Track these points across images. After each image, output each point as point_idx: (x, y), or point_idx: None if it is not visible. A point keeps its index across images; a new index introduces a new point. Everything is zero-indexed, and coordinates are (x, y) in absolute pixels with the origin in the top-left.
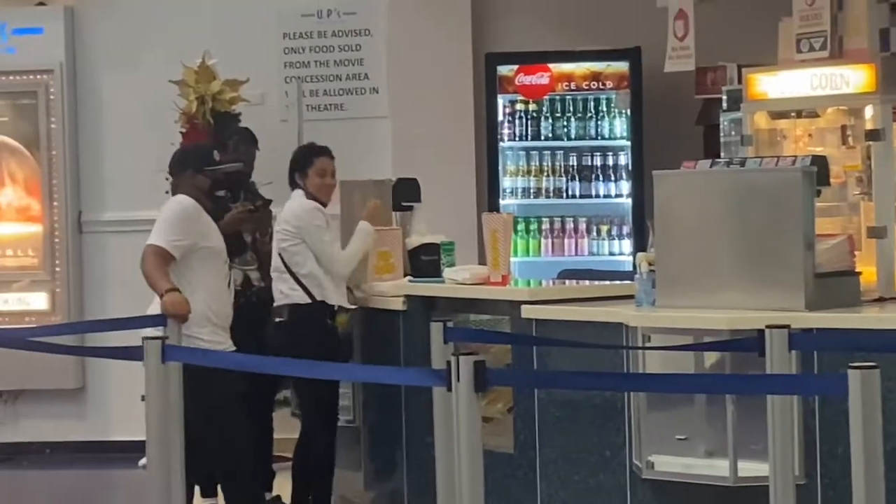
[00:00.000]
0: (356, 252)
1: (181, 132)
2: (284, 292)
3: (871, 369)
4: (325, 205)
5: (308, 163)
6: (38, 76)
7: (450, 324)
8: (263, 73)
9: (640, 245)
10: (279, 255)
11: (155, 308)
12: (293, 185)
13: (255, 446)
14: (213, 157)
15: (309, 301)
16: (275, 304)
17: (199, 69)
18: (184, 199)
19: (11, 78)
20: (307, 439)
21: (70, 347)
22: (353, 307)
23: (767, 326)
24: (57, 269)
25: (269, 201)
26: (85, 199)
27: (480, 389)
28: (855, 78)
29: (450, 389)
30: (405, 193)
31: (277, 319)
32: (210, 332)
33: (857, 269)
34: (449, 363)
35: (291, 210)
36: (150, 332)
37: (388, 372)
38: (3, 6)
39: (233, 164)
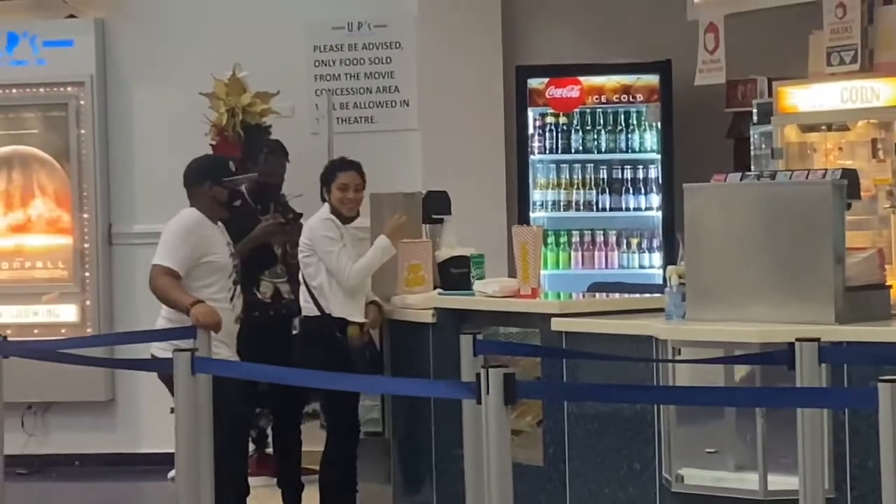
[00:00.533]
0: (368, 266)
1: (211, 144)
2: (301, 304)
3: None
4: (348, 219)
5: (332, 177)
6: (69, 88)
7: (479, 336)
8: (294, 86)
9: (669, 258)
10: (299, 267)
11: (162, 323)
12: (322, 199)
13: (283, 459)
14: (230, 168)
15: (318, 314)
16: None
17: (230, 81)
18: (188, 214)
19: (42, 90)
20: (329, 452)
21: (99, 360)
22: (361, 321)
23: (797, 340)
24: (87, 281)
25: (300, 214)
26: (115, 212)
27: (510, 402)
28: (885, 91)
29: (479, 402)
30: (435, 206)
31: (294, 332)
32: (213, 346)
33: (888, 283)
34: (478, 376)
35: (309, 222)
36: (156, 346)
37: (417, 385)
38: (33, 18)
39: (248, 175)
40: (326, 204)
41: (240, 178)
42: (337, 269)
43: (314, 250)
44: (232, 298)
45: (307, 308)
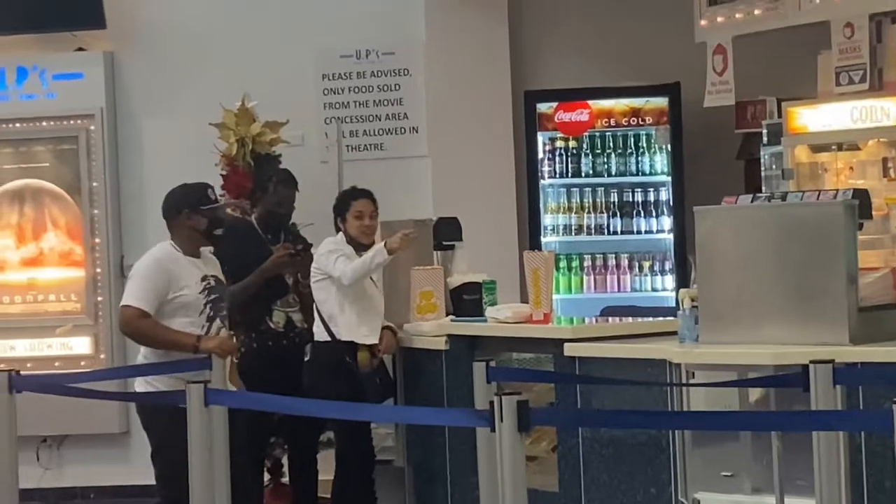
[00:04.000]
0: (362, 264)
1: (222, 175)
2: (314, 330)
3: None
4: (366, 247)
5: (346, 206)
6: (79, 121)
7: (492, 363)
8: (303, 115)
9: (682, 280)
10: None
11: (140, 358)
12: (337, 229)
13: (299, 488)
14: (209, 196)
15: (328, 339)
16: None
17: (239, 111)
18: (156, 250)
19: (52, 123)
20: (342, 478)
21: (113, 393)
22: (371, 344)
23: (811, 362)
24: (99, 313)
25: (310, 245)
26: (127, 244)
27: (524, 429)
28: (895, 110)
29: (493, 430)
30: (446, 232)
31: (305, 358)
32: (170, 384)
33: None
34: (492, 403)
35: (318, 248)
36: (139, 382)
37: (431, 413)
38: (43, 52)
39: (228, 202)
40: (340, 233)
41: (219, 205)
42: (334, 269)
43: (322, 272)
44: (218, 333)
45: (318, 333)
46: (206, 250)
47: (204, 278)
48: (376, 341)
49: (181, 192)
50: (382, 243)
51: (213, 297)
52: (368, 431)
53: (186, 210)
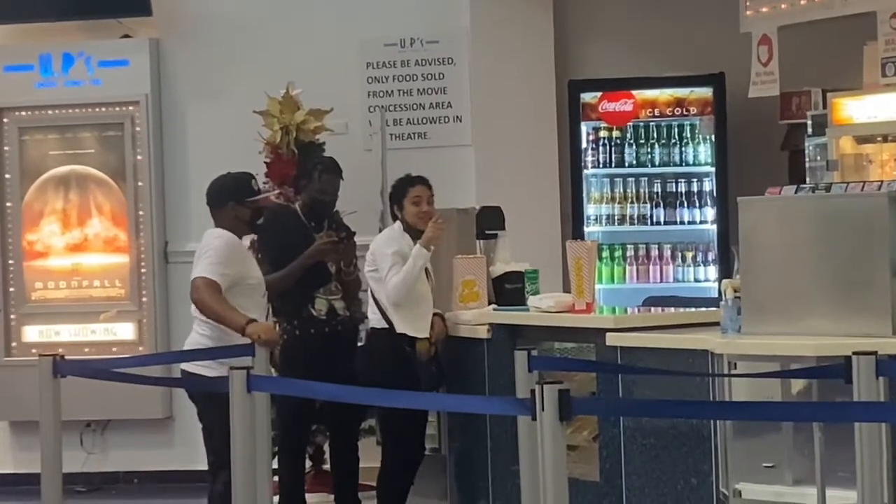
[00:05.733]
0: (405, 278)
1: (265, 162)
2: (369, 315)
3: None
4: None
5: (403, 193)
6: (124, 108)
7: (534, 352)
8: (347, 103)
9: (725, 271)
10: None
11: (197, 339)
12: (394, 217)
13: (340, 475)
14: (253, 187)
15: (385, 326)
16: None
17: (283, 99)
18: (224, 233)
19: (98, 110)
20: (387, 468)
21: (157, 378)
22: (423, 336)
23: (854, 353)
24: (143, 299)
25: (353, 232)
26: (171, 230)
27: (565, 418)
28: None
29: (535, 419)
30: (489, 221)
31: (360, 343)
32: (223, 368)
33: None
34: (533, 392)
35: (376, 238)
36: (187, 366)
37: (472, 401)
38: (89, 39)
39: (271, 192)
40: (398, 222)
41: (263, 195)
42: (387, 285)
43: (376, 265)
44: (266, 317)
45: (375, 320)
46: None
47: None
48: (427, 334)
49: (226, 182)
50: (418, 247)
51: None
52: (424, 422)
53: (233, 202)
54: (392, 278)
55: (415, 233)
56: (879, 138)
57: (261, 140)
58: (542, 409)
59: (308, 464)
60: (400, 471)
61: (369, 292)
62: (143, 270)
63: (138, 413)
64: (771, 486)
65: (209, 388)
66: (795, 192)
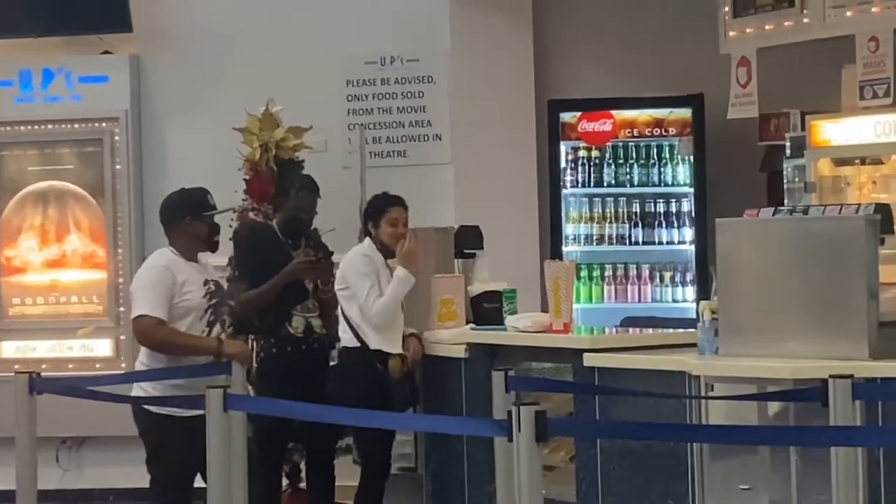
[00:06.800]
0: (392, 300)
1: (245, 179)
2: (340, 335)
3: None
4: (394, 254)
5: (381, 212)
6: (104, 124)
7: (511, 372)
8: (327, 120)
9: (703, 292)
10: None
11: (139, 365)
12: (366, 233)
13: (316, 494)
14: (209, 202)
15: (357, 345)
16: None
17: (263, 116)
18: (158, 258)
19: (77, 126)
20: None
21: (134, 398)
22: (399, 353)
23: (831, 376)
24: (121, 316)
25: (331, 252)
26: (149, 246)
27: (542, 440)
28: None
29: (511, 440)
30: (467, 240)
31: (332, 363)
32: (168, 390)
33: None
34: (510, 413)
35: (347, 256)
36: (135, 388)
37: (448, 422)
38: (69, 55)
39: (227, 208)
40: (367, 239)
41: (219, 211)
42: (365, 307)
43: (347, 284)
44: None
45: (346, 339)
46: (203, 256)
47: (206, 283)
48: (401, 350)
49: (181, 197)
50: (402, 270)
51: (214, 301)
52: (391, 440)
53: (188, 217)
54: (377, 302)
55: (386, 251)
56: (857, 161)
57: (240, 157)
58: (519, 431)
59: (284, 482)
60: (375, 489)
61: (340, 311)
62: (120, 287)
63: (114, 430)
64: None
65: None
66: (773, 214)
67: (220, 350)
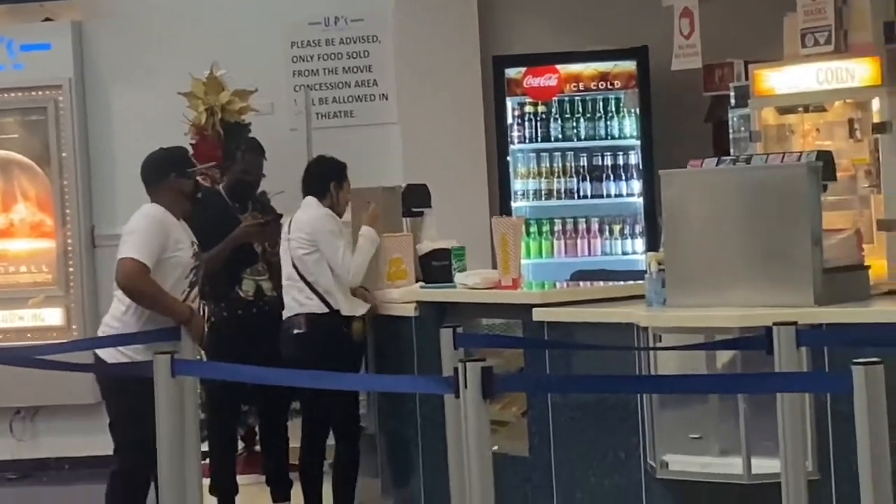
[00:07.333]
0: (364, 260)
1: (191, 144)
2: (300, 301)
3: (875, 365)
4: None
5: (345, 177)
6: (47, 92)
7: (459, 329)
8: (272, 83)
9: (653, 243)
10: (293, 263)
11: (104, 329)
12: (319, 192)
13: (270, 457)
14: (190, 160)
15: (326, 311)
16: (287, 314)
17: (208, 80)
18: (153, 209)
19: (20, 94)
20: (314, 446)
21: (82, 365)
22: (363, 315)
23: (775, 324)
24: (71, 284)
25: (280, 215)
26: (97, 214)
27: (488, 396)
28: (860, 71)
29: (458, 396)
30: (415, 199)
31: (296, 331)
32: (146, 354)
33: (867, 263)
34: (456, 370)
35: (307, 218)
36: (110, 352)
37: (396, 380)
38: (10, 23)
39: (209, 163)
40: (313, 199)
41: (202, 167)
42: (342, 267)
43: (317, 246)
44: (186, 298)
45: (311, 305)
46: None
47: (193, 242)
48: (363, 312)
49: (164, 155)
50: (370, 230)
51: (197, 263)
52: (357, 399)
53: (174, 174)
54: (353, 260)
55: (336, 213)
56: (801, 108)
57: (186, 122)
58: (465, 387)
59: (240, 445)
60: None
61: (296, 276)
62: (70, 255)
63: (68, 399)
64: (698, 457)
65: (128, 373)
66: (717, 165)
67: (189, 320)
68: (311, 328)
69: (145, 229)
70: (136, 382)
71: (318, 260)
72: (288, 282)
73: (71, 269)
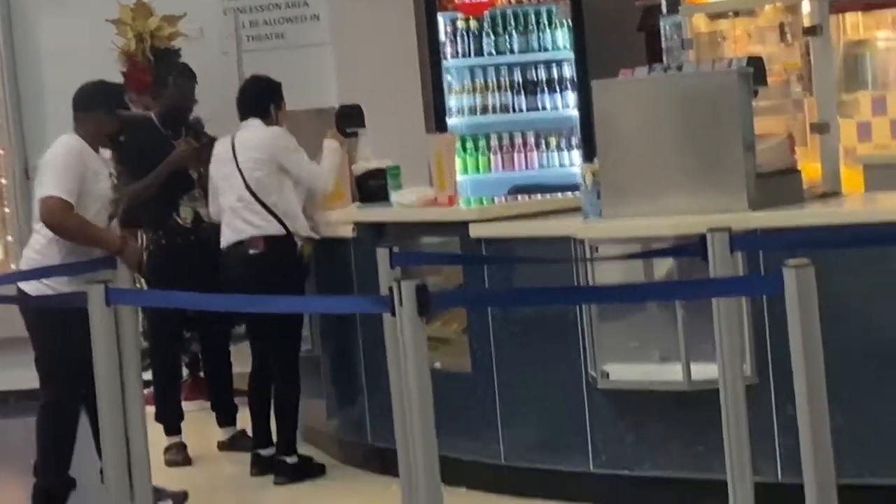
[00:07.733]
0: (334, 165)
1: (122, 72)
2: (254, 223)
3: (806, 267)
4: None
5: (282, 96)
6: None
7: (395, 249)
8: (200, 7)
9: (589, 156)
10: (246, 185)
11: (26, 263)
12: (262, 112)
13: (214, 382)
14: (125, 102)
15: (284, 233)
16: (238, 237)
17: (136, 6)
18: (69, 141)
19: None
20: (262, 369)
21: (13, 297)
22: (315, 237)
23: (709, 230)
24: (6, 217)
25: (214, 138)
26: (30, 145)
27: (424, 313)
28: None
29: (394, 315)
30: (349, 120)
31: (252, 251)
32: (72, 286)
33: (800, 167)
34: (391, 288)
35: (257, 138)
36: (32, 284)
37: (334, 301)
38: None
39: (139, 113)
40: (257, 120)
41: (132, 113)
42: (315, 176)
43: (277, 164)
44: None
45: (269, 227)
46: (103, 151)
47: (110, 175)
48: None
49: (100, 88)
50: (333, 141)
51: (116, 196)
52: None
53: (102, 110)
54: (322, 167)
55: None
56: (731, 14)
57: (116, 49)
58: (401, 305)
59: (185, 372)
60: (293, 373)
61: (249, 197)
62: (4, 189)
63: (7, 332)
64: (638, 366)
65: (52, 305)
66: (648, 74)
67: (121, 249)
68: (270, 249)
69: (63, 163)
70: (62, 314)
71: (279, 179)
72: (238, 203)
73: (6, 202)
